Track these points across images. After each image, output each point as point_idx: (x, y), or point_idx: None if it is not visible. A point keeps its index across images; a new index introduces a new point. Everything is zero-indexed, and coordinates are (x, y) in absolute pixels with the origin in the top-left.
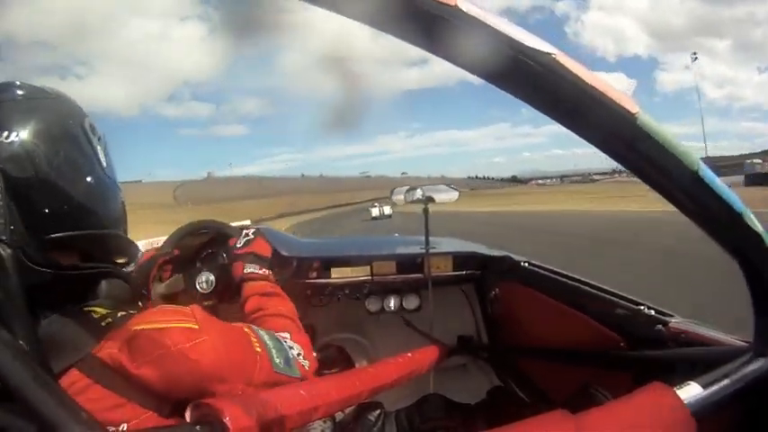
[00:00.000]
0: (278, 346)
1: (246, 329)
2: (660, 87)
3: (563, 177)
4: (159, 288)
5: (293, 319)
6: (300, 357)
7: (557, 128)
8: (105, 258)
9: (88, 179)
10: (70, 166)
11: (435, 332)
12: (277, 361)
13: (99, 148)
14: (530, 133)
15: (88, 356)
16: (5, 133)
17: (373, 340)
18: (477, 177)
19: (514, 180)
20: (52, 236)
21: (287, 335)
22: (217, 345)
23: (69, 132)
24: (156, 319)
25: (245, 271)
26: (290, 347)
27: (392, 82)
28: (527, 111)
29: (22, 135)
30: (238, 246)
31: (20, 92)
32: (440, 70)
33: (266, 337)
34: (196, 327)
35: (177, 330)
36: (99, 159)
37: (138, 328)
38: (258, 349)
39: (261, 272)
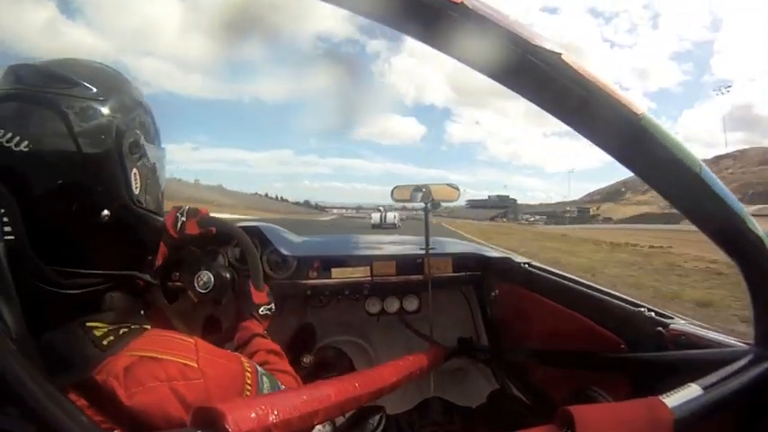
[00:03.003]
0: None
1: (248, 374)
2: (448, 137)
3: (359, 208)
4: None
5: (296, 379)
6: None
7: (341, 161)
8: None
9: (103, 213)
10: (83, 191)
11: (435, 334)
12: None
13: (134, 171)
14: (313, 162)
15: (87, 378)
16: (16, 139)
17: (373, 342)
18: (267, 196)
19: (308, 205)
20: (54, 268)
21: None
22: (210, 387)
23: (95, 150)
24: (157, 349)
25: (263, 332)
26: None
27: (183, 86)
28: (315, 140)
29: (28, 145)
30: (261, 312)
31: (55, 84)
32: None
33: (266, 387)
34: (195, 365)
35: (175, 365)
36: (129, 185)
37: (138, 354)
38: (247, 394)
39: (267, 335)
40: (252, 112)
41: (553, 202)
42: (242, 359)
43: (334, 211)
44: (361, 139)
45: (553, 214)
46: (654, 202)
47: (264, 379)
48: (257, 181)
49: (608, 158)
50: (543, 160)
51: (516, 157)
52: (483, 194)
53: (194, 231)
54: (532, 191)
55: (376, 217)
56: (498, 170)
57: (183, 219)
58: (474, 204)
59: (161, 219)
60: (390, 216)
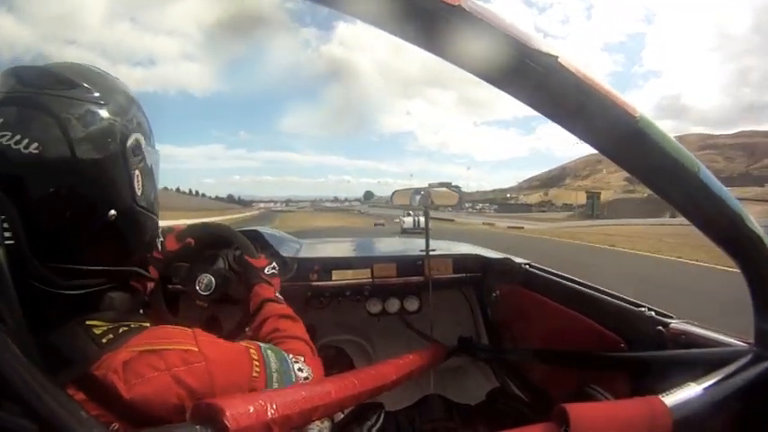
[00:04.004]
0: (283, 369)
1: (253, 351)
2: (379, 128)
3: (288, 202)
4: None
5: (308, 343)
6: (308, 380)
7: (271, 154)
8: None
9: (110, 212)
10: (88, 192)
11: (435, 334)
12: (275, 386)
13: (137, 172)
14: (243, 156)
15: (86, 374)
16: (25, 141)
17: (374, 342)
18: (179, 191)
19: (230, 200)
20: (53, 265)
21: (301, 357)
22: (212, 369)
23: (101, 153)
24: (156, 341)
25: (276, 295)
26: (300, 370)
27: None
28: (245, 133)
29: (37, 147)
30: (268, 272)
31: (56, 86)
32: (162, 73)
33: (272, 361)
34: (195, 349)
35: (175, 353)
36: (132, 187)
37: (138, 349)
38: (255, 374)
39: (281, 297)
40: (180, 106)
41: (486, 189)
42: (241, 342)
43: (261, 205)
44: (290, 132)
45: (495, 201)
46: (600, 187)
47: (270, 353)
48: (186, 177)
49: (537, 147)
50: (473, 149)
51: (445, 146)
52: (414, 184)
53: (174, 247)
54: (464, 179)
55: (408, 221)
56: (427, 159)
57: (161, 240)
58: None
59: (157, 217)
60: (423, 221)
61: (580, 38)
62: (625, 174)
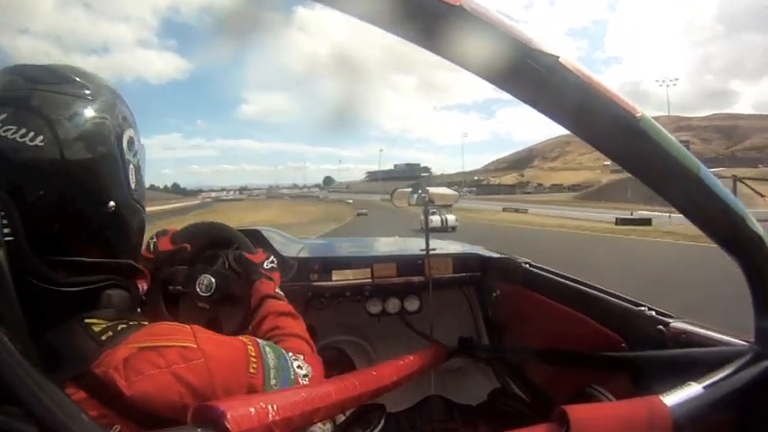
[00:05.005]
0: (281, 366)
1: (251, 348)
2: (341, 114)
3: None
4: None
5: (308, 342)
6: (307, 379)
7: (229, 142)
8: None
9: (110, 204)
10: (89, 187)
11: (436, 334)
12: (272, 383)
13: (131, 167)
14: (201, 145)
15: (86, 372)
16: (31, 134)
17: (374, 342)
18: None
19: (177, 191)
20: (52, 258)
21: (300, 355)
22: (211, 366)
23: (101, 148)
24: (155, 338)
25: (276, 290)
26: (299, 367)
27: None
28: (202, 122)
29: (44, 141)
30: (267, 266)
31: (57, 84)
32: (117, 61)
33: (270, 357)
34: (194, 346)
35: (174, 350)
36: (128, 180)
37: (137, 346)
38: (252, 370)
39: (281, 293)
40: (136, 94)
41: (451, 173)
42: (239, 337)
43: (212, 194)
44: (249, 119)
45: (464, 183)
46: (571, 167)
47: (268, 350)
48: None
49: (497, 130)
50: (433, 133)
51: (407, 131)
52: (384, 159)
53: (168, 247)
54: (426, 163)
55: (436, 220)
56: (390, 145)
57: (155, 240)
58: (375, 176)
59: (145, 211)
60: (451, 219)
61: (543, 23)
62: (596, 155)
